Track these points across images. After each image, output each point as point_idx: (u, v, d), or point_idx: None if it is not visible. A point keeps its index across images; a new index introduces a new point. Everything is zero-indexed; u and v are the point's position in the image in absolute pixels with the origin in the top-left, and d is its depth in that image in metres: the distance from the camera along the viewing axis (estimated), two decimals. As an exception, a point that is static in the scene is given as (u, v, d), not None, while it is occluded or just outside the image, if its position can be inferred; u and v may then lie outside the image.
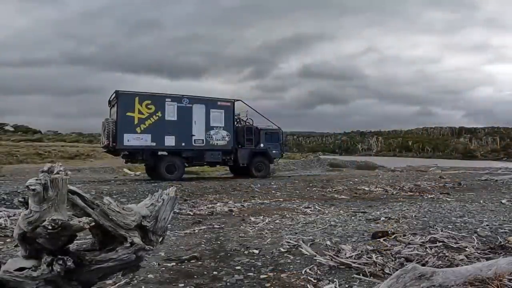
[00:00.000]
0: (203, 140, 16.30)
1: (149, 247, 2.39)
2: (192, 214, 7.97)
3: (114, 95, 15.37)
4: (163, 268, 3.96)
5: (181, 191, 10.80)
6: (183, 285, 3.48)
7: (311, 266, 3.87)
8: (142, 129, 15.06)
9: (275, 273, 3.80)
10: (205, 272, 3.86)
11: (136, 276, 3.54)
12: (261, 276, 3.70)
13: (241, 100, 17.84)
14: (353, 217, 7.10)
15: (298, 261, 4.17)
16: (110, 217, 2.23)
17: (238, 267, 4.02)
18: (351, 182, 14.65)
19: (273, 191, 11.98)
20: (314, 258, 4.14)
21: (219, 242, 5.28)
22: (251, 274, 3.79)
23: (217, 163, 17.56)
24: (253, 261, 4.24)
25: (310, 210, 8.39)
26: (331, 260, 3.98)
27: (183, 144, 15.90)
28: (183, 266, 4.06)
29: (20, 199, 2.04)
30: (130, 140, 14.86)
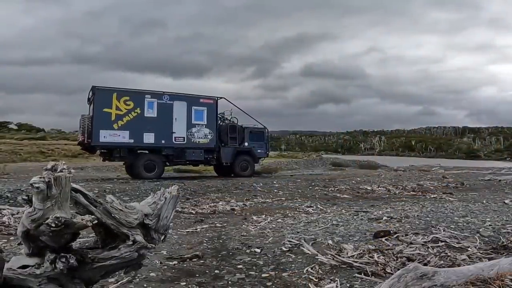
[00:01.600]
0: (184, 137, 15.90)
1: (151, 245, 2.39)
2: (194, 212, 8.00)
3: (91, 91, 14.95)
4: (165, 267, 3.98)
5: (183, 190, 10.83)
6: (185, 283, 3.49)
7: (312, 265, 3.87)
8: (120, 125, 14.67)
9: (276, 272, 3.80)
10: (207, 271, 3.88)
11: (138, 275, 3.56)
12: (263, 275, 3.71)
13: (224, 98, 17.41)
14: (355, 217, 7.09)
15: (300, 260, 4.17)
16: (112, 215, 2.23)
17: (240, 266, 4.03)
18: (353, 182, 14.63)
19: (275, 190, 11.99)
20: (316, 257, 4.14)
21: (221, 241, 5.30)
22: (252, 273, 3.80)
23: (199, 162, 17.07)
24: (255, 260, 4.25)
25: (312, 209, 8.40)
26: (333, 259, 3.98)
27: (163, 141, 15.51)
28: (185, 265, 4.07)
29: (24, 197, 2.05)
30: (107, 136, 14.46)
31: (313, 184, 13.76)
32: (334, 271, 3.72)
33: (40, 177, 1.95)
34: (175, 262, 4.15)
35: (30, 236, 2.05)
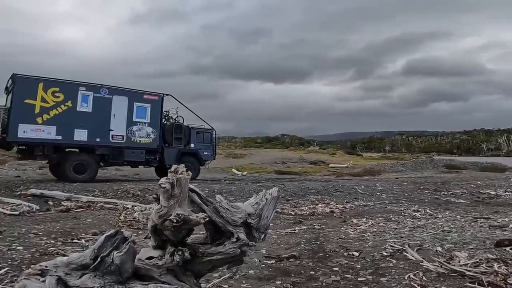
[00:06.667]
0: (123, 136, 14.55)
1: (252, 243, 2.58)
2: (293, 214, 8.18)
3: (10, 79, 13.18)
4: (263, 265, 4.17)
5: (283, 191, 11.11)
6: (280, 282, 3.60)
7: (415, 272, 3.67)
8: (45, 119, 13.00)
9: (374, 276, 3.70)
10: (303, 271, 3.95)
11: (238, 272, 3.80)
12: (359, 279, 3.64)
13: (171, 95, 16.29)
14: (472, 223, 6.41)
15: (402, 266, 3.99)
16: (220, 214, 2.49)
17: (336, 268, 4.01)
18: (472, 185, 13.01)
19: (378, 193, 11.43)
20: (421, 263, 3.91)
21: (318, 243, 5.34)
22: (348, 276, 3.76)
23: (139, 163, 15.76)
24: (352, 263, 4.20)
25: (420, 214, 7.83)
26: (441, 266, 3.71)
27: (97, 139, 14.05)
28: (281, 264, 4.21)
29: (154, 196, 2.47)
30: (27, 131, 12.71)
31: (421, 187, 12.67)
32: (441, 279, 3.47)
33: (166, 179, 2.33)
34: (273, 261, 4.31)
35: (157, 230, 2.44)
